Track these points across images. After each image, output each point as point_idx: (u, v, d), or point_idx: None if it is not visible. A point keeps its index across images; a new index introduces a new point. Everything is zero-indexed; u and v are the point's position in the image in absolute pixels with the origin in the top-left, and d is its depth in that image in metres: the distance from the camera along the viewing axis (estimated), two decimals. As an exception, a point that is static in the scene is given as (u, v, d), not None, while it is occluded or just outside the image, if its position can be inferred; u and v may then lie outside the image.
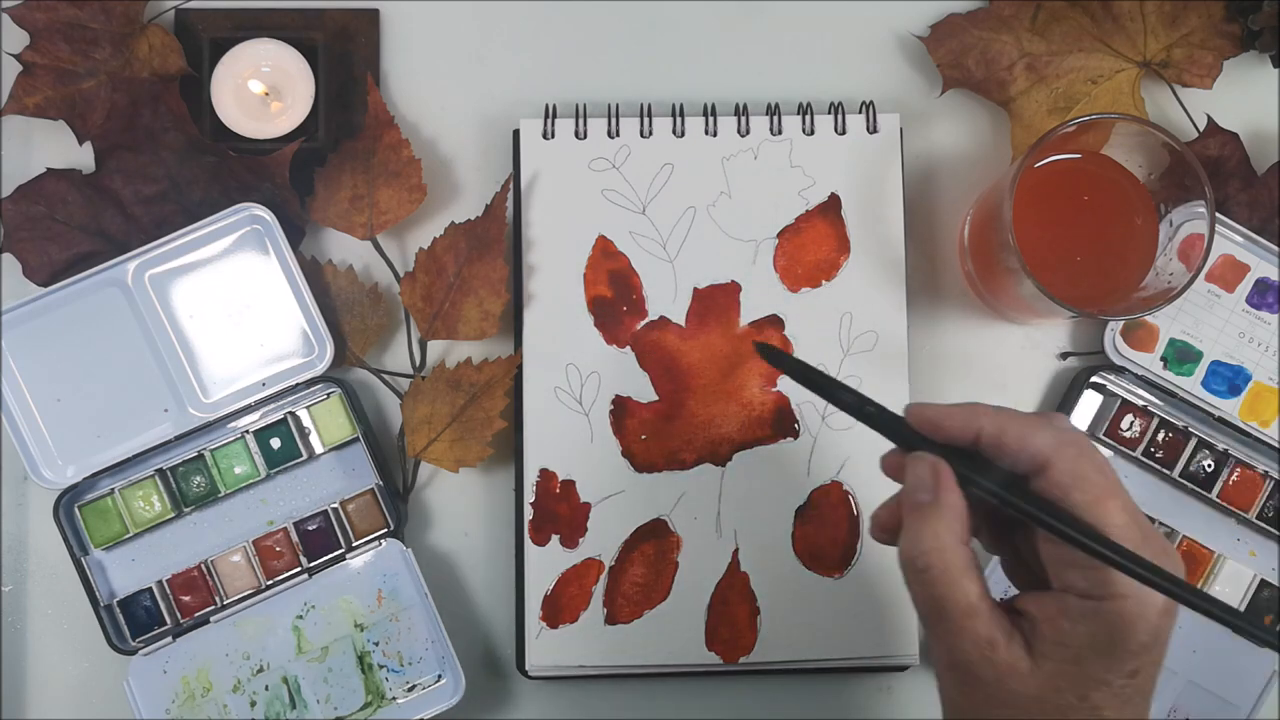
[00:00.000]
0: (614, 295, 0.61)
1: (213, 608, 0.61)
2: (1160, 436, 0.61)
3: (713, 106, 0.62)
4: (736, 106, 0.62)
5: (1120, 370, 0.61)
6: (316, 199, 0.62)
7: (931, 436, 0.44)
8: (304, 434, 0.61)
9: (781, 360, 0.47)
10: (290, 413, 0.61)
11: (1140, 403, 0.61)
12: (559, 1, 0.65)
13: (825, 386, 0.46)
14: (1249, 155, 0.62)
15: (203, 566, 0.61)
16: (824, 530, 0.60)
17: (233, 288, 0.61)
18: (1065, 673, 0.41)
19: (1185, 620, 0.60)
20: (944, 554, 0.42)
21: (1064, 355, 0.64)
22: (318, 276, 0.62)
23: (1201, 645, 0.60)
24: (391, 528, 0.61)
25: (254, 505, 0.62)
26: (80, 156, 0.63)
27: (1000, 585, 0.47)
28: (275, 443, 0.61)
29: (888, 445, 0.61)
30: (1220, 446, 0.61)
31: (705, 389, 0.61)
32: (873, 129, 0.62)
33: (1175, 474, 0.61)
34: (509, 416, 0.61)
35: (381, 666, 0.60)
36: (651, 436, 0.61)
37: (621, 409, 0.61)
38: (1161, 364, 0.61)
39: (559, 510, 0.60)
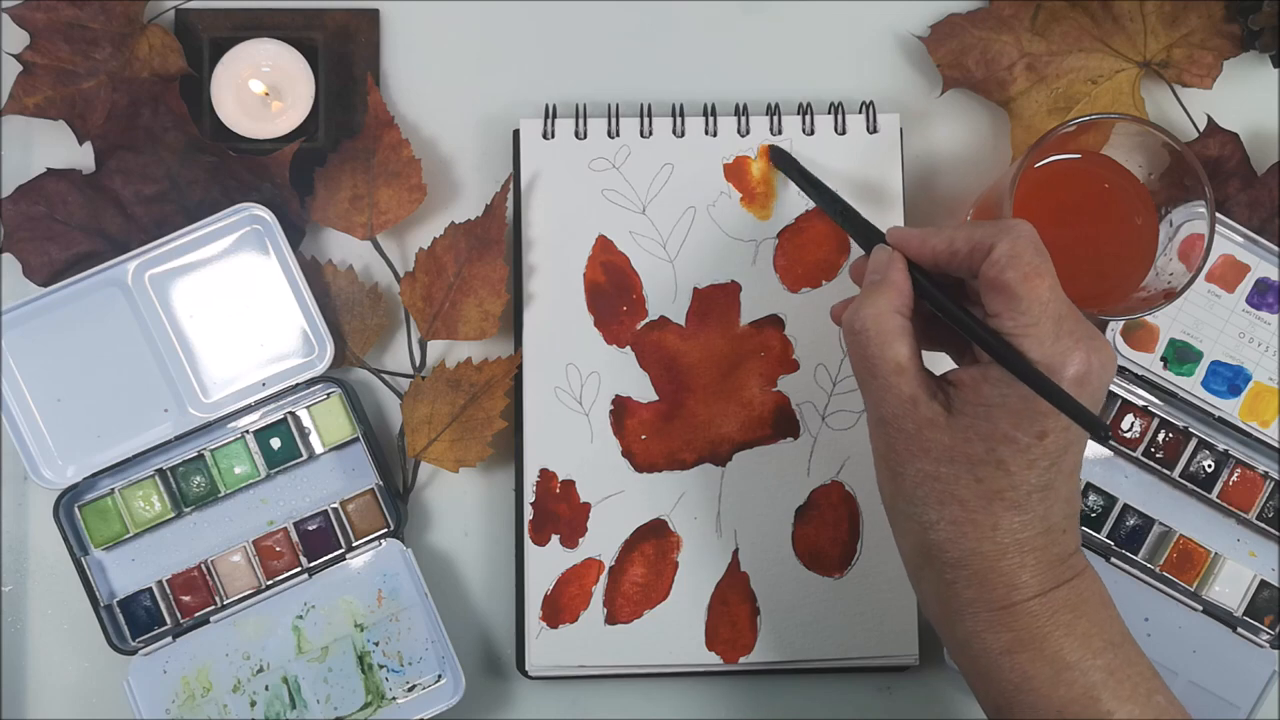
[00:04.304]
0: (609, 285, 0.61)
1: (213, 608, 0.61)
2: (1160, 436, 0.61)
3: (713, 106, 0.62)
4: (736, 106, 0.62)
5: (1120, 370, 0.61)
6: (316, 199, 0.62)
7: (900, 250, 0.49)
8: (304, 434, 0.61)
9: (787, 162, 0.60)
10: (290, 413, 0.61)
11: (1140, 403, 0.61)
12: (559, 2, 0.65)
13: (815, 187, 0.58)
14: (1249, 155, 0.62)
15: (203, 566, 0.61)
16: (824, 530, 0.60)
17: (233, 288, 0.61)
18: (977, 427, 0.46)
19: (1185, 620, 0.61)
20: (879, 319, 0.47)
21: (1064, 355, 0.64)
22: (318, 276, 0.62)
23: (1201, 645, 0.60)
24: (391, 528, 0.61)
25: (254, 505, 0.62)
26: (80, 156, 0.63)
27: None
28: (275, 443, 0.61)
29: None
30: (1220, 447, 0.61)
31: (705, 389, 0.61)
32: (873, 129, 0.62)
33: (1175, 474, 0.61)
34: (509, 416, 0.61)
35: (381, 666, 0.60)
36: (651, 436, 0.61)
37: (621, 409, 0.61)
38: (1161, 364, 0.61)
39: (559, 510, 0.60)
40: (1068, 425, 0.46)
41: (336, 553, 0.61)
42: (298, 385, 0.61)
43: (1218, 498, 0.61)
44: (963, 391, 0.46)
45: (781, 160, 0.61)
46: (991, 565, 0.46)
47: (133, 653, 0.60)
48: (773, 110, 0.62)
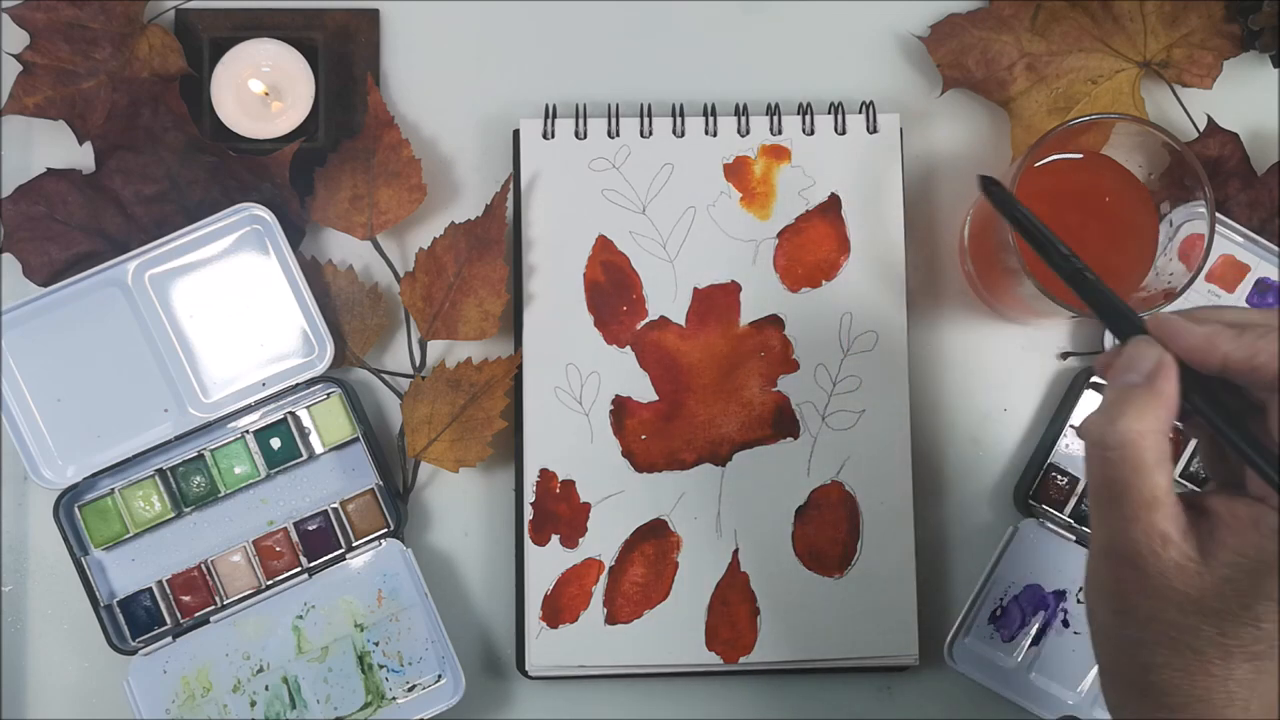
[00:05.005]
0: (609, 285, 0.61)
1: (213, 608, 0.61)
2: (1160, 436, 0.61)
3: (713, 106, 0.62)
4: (736, 106, 0.62)
5: (1120, 370, 0.61)
6: (316, 199, 0.62)
7: (1166, 345, 0.42)
8: (304, 434, 0.61)
9: (1010, 204, 0.49)
10: (290, 413, 0.61)
11: (1140, 403, 0.61)
12: (559, 1, 0.65)
13: (1042, 243, 0.47)
14: (1249, 155, 0.62)
15: (203, 566, 0.61)
16: (824, 530, 0.60)
17: (233, 288, 0.61)
18: (1236, 581, 0.40)
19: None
20: (1141, 439, 0.40)
21: (1064, 355, 0.64)
22: (318, 276, 0.62)
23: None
24: (391, 528, 0.61)
25: (254, 505, 0.62)
26: (80, 156, 0.63)
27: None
28: (275, 443, 0.61)
29: (886, 446, 0.61)
30: (1220, 446, 0.61)
31: (705, 389, 0.61)
32: (873, 129, 0.62)
33: (1175, 475, 0.61)
34: (509, 416, 0.61)
35: (381, 666, 0.60)
36: (651, 436, 0.61)
37: (621, 409, 0.61)
38: (1161, 364, 0.61)
39: (559, 510, 0.60)
40: None
41: (336, 553, 0.61)
42: (298, 385, 0.61)
43: (1218, 498, 0.61)
44: (1222, 534, 0.40)
45: (1001, 201, 0.50)
46: (1216, 714, 0.41)
47: (133, 653, 0.60)
48: (773, 110, 0.62)
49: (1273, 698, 0.42)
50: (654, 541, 0.60)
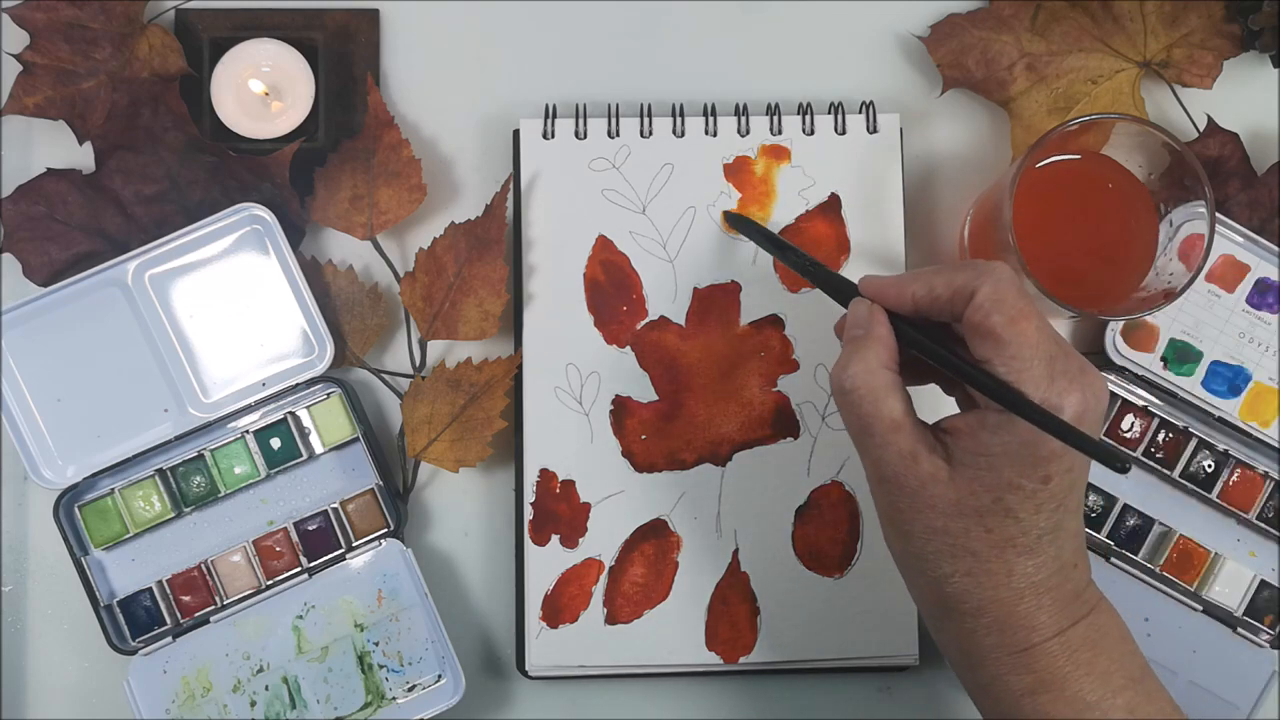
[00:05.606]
0: (609, 285, 0.61)
1: (213, 608, 0.61)
2: (1160, 437, 0.61)
3: (713, 106, 0.62)
4: (736, 106, 0.62)
5: (1120, 370, 0.61)
6: (316, 199, 0.62)
7: (875, 300, 0.49)
8: (304, 434, 0.61)
9: (747, 225, 0.59)
10: (290, 413, 0.61)
11: (1140, 403, 0.61)
12: (559, 1, 0.65)
13: (780, 247, 0.57)
14: (1249, 155, 0.62)
15: (203, 566, 0.61)
16: (824, 530, 0.60)
17: (233, 288, 0.61)
18: (981, 478, 0.45)
19: (1185, 620, 0.60)
20: (868, 376, 0.46)
21: (1064, 355, 0.64)
22: (318, 276, 0.62)
23: (1201, 645, 0.60)
24: (391, 528, 0.61)
25: (254, 505, 0.62)
26: (80, 156, 0.63)
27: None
28: (275, 443, 0.61)
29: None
30: (1220, 447, 0.61)
31: (705, 389, 0.61)
32: (873, 129, 0.62)
33: (1175, 474, 0.61)
34: (509, 416, 0.61)
35: (381, 666, 0.60)
36: (651, 436, 0.61)
37: (621, 409, 0.61)
38: (1161, 364, 0.61)
39: (559, 510, 0.60)
40: (1070, 466, 0.45)
41: (336, 553, 0.61)
42: (298, 385, 0.61)
43: (1218, 498, 0.61)
44: (961, 440, 0.46)
45: (740, 224, 0.60)
46: (1009, 610, 0.46)
47: (133, 653, 0.60)
48: (773, 110, 0.62)
49: (1064, 591, 0.46)
50: (654, 541, 0.60)
